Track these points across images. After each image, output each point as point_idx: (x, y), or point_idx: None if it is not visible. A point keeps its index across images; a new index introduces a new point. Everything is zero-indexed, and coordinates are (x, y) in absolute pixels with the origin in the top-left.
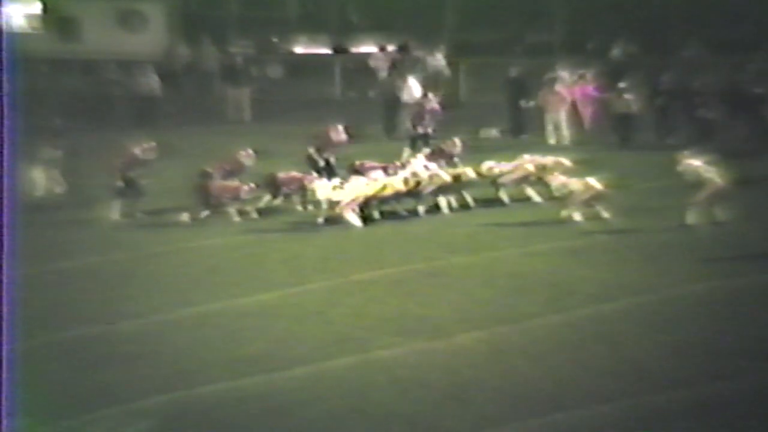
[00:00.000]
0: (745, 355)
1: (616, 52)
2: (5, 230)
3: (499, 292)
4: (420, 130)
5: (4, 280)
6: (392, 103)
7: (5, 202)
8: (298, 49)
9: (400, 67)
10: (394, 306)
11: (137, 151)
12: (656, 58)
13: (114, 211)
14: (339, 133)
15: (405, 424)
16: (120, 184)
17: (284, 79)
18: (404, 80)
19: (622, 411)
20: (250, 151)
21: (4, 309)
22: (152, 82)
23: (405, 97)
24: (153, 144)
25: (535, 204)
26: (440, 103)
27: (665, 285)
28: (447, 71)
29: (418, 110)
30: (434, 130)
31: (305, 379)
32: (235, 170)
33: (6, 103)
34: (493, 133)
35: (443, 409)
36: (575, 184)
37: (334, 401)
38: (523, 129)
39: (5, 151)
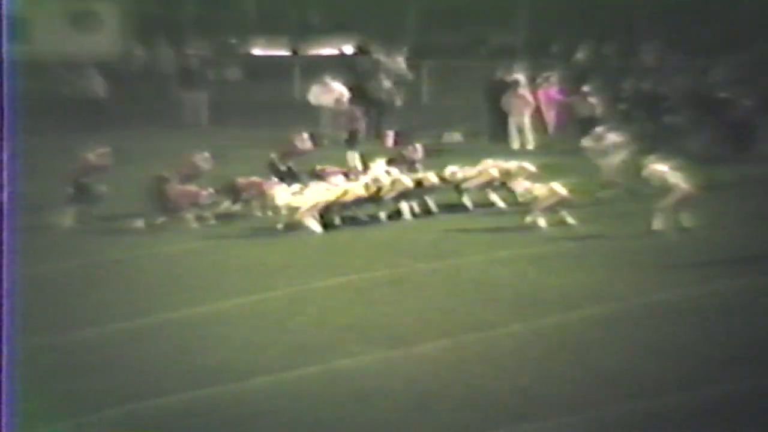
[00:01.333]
0: (711, 362)
1: (580, 54)
2: None
3: (462, 300)
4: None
5: None
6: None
7: None
8: (257, 51)
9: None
10: (356, 314)
11: (91, 156)
12: (621, 61)
13: (67, 218)
14: (304, 141)
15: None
16: (71, 189)
17: (242, 81)
18: (325, 83)
19: (587, 420)
20: (207, 155)
21: None
22: (105, 84)
23: (323, 99)
24: (107, 149)
25: (499, 210)
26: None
27: (632, 292)
28: (408, 74)
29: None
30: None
31: (265, 389)
32: (193, 175)
33: None
34: (457, 137)
35: (405, 419)
36: (539, 189)
37: (295, 412)
38: (499, 134)
39: None
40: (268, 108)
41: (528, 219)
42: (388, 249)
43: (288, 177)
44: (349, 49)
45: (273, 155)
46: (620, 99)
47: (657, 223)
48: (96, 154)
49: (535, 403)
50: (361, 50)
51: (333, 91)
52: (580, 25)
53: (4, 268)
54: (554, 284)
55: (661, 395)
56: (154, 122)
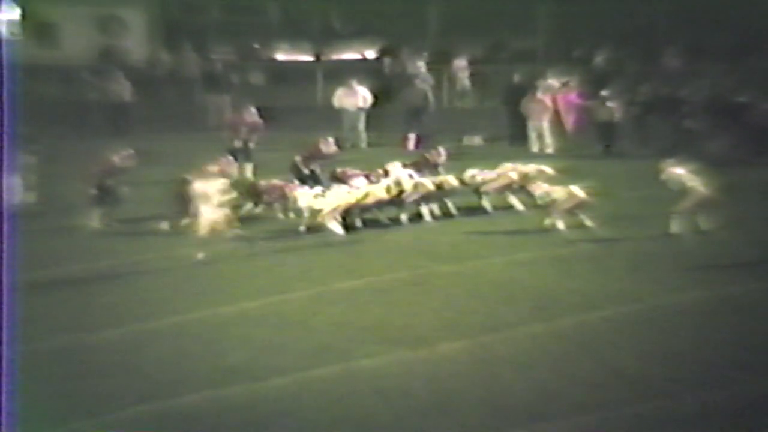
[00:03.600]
0: (730, 365)
1: (599, 60)
2: None
3: (482, 301)
4: (237, 143)
5: None
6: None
7: None
8: (280, 56)
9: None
10: (377, 315)
11: (115, 158)
12: (640, 66)
13: (92, 220)
14: (329, 145)
15: None
16: (95, 191)
17: (266, 86)
18: (350, 87)
19: (606, 421)
20: (231, 158)
21: None
22: (131, 88)
23: (348, 103)
24: (131, 151)
25: (519, 212)
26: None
27: (650, 294)
28: (430, 78)
29: (234, 122)
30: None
31: (287, 388)
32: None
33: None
34: (477, 140)
35: (426, 419)
36: (558, 192)
37: (316, 411)
38: (518, 138)
39: None
40: (291, 112)
41: (547, 222)
42: (409, 251)
43: (311, 180)
44: (371, 53)
45: (297, 158)
46: (639, 103)
47: (675, 226)
48: (120, 156)
49: (554, 403)
50: (385, 54)
51: (357, 95)
52: (600, 30)
53: (5, 270)
54: (573, 286)
55: (678, 396)
56: (179, 126)
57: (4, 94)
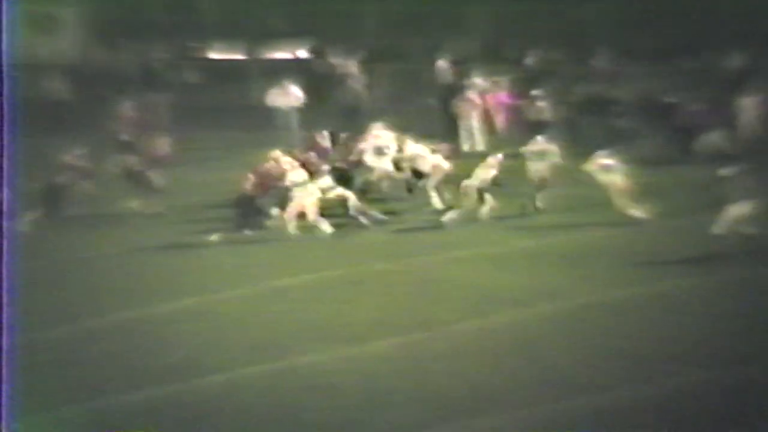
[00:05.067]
0: (660, 360)
1: (530, 59)
2: None
3: (417, 299)
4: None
5: None
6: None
7: None
8: (216, 55)
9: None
10: (313, 312)
11: (68, 157)
12: (571, 66)
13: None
14: (325, 139)
15: (323, 430)
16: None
17: (201, 84)
18: (284, 86)
19: (538, 416)
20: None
21: None
22: (64, 87)
23: (281, 101)
24: (84, 151)
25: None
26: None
27: (582, 291)
28: (362, 78)
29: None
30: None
31: (223, 386)
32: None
33: None
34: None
35: (360, 414)
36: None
37: (252, 408)
38: (450, 136)
39: None
40: (226, 110)
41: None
42: (345, 249)
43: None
44: (304, 53)
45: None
46: (570, 103)
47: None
48: (72, 155)
49: (488, 399)
50: (317, 54)
51: (290, 94)
52: (531, 30)
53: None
54: (507, 283)
55: (611, 390)
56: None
57: None
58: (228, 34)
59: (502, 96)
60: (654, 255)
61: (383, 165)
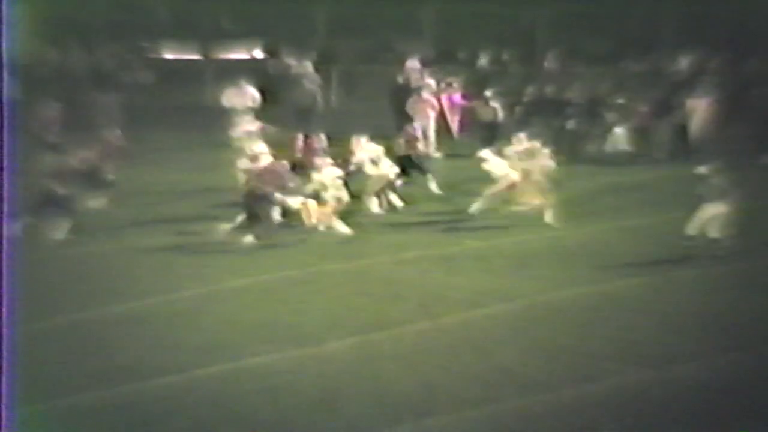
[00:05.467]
0: (609, 359)
1: (483, 61)
2: None
3: (369, 299)
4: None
5: None
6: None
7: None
8: (168, 55)
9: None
10: (266, 313)
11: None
12: (523, 68)
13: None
14: (321, 140)
15: (277, 430)
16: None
17: (154, 84)
18: (239, 86)
19: (490, 416)
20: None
21: None
22: (12, 84)
23: (236, 101)
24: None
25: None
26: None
27: (533, 291)
28: (316, 78)
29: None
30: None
31: (176, 387)
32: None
33: None
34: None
35: (314, 415)
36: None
37: (205, 409)
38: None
39: None
40: (180, 111)
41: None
42: (298, 249)
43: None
44: (259, 53)
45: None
46: (522, 104)
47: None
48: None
49: (440, 399)
50: (272, 54)
51: (246, 95)
52: (484, 32)
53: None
54: (459, 283)
55: (561, 389)
56: (67, 123)
57: None
58: (181, 34)
59: (456, 97)
60: (603, 256)
61: (383, 170)
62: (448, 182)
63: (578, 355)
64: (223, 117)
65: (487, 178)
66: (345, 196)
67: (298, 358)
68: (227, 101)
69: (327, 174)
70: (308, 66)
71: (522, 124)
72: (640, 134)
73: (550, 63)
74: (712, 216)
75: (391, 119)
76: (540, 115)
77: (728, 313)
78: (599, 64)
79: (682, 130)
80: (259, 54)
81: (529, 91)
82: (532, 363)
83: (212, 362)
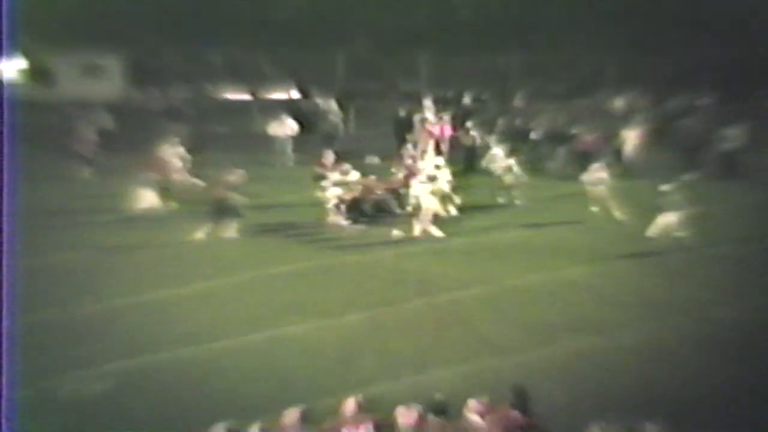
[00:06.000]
0: (564, 329)
1: (466, 99)
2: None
3: (378, 283)
4: None
5: None
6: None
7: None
8: (226, 95)
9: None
10: (298, 293)
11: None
12: (496, 104)
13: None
14: (329, 157)
15: (306, 382)
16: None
17: (213, 117)
18: (281, 119)
19: (469, 372)
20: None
21: None
22: (111, 119)
23: (279, 131)
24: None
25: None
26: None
27: (506, 276)
28: (338, 113)
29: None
30: None
31: (231, 349)
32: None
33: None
34: (375, 160)
35: (334, 371)
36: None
37: (253, 366)
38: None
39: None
40: (233, 138)
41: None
42: (323, 244)
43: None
44: (295, 94)
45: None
46: (496, 133)
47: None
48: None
49: (431, 359)
50: (305, 95)
51: (286, 126)
52: (467, 76)
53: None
54: (448, 271)
55: (524, 352)
56: (147, 147)
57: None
58: (234, 79)
59: (447, 128)
60: (563, 250)
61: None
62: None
63: (539, 326)
64: (268, 143)
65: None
66: (435, 204)
67: (322, 328)
68: (272, 131)
69: (419, 188)
70: (332, 103)
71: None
72: (586, 156)
73: (518, 101)
74: (669, 221)
75: (393, 143)
76: (509, 141)
77: (660, 293)
78: (556, 101)
79: (618, 153)
80: (294, 94)
81: (501, 123)
82: (504, 332)
83: (255, 331)
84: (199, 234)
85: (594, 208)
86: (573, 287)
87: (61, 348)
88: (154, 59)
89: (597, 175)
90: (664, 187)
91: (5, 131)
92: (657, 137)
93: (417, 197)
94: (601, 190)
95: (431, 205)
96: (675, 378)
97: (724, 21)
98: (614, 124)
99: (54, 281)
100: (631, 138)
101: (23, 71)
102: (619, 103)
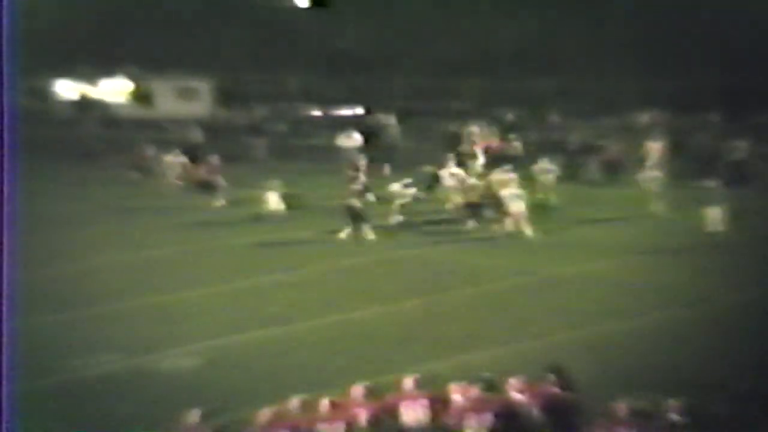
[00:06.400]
0: (583, 311)
1: (509, 116)
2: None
3: (432, 274)
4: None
5: None
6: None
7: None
8: (300, 112)
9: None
10: (360, 282)
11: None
12: (535, 121)
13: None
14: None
15: (370, 361)
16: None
17: (290, 131)
18: (348, 133)
19: (508, 354)
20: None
21: None
22: (202, 134)
23: (346, 143)
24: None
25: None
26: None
27: (542, 269)
28: (398, 127)
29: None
30: None
31: (305, 332)
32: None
33: None
34: (430, 168)
35: (391, 350)
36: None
37: (325, 346)
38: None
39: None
40: (308, 149)
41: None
42: (380, 244)
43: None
44: (360, 111)
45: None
46: (533, 144)
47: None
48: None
49: (478, 342)
50: (369, 112)
51: (352, 139)
52: (510, 98)
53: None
54: (493, 264)
55: (557, 336)
56: (233, 158)
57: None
58: (308, 99)
59: (493, 141)
60: (597, 244)
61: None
62: None
63: (571, 312)
64: (337, 153)
65: None
66: (523, 206)
67: (380, 313)
68: (340, 143)
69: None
70: (392, 119)
71: (533, 157)
72: (614, 165)
73: (553, 118)
74: (715, 215)
75: (443, 154)
76: (546, 152)
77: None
78: (585, 119)
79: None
80: (359, 111)
81: (538, 137)
82: (541, 318)
83: (328, 315)
84: (342, 234)
85: (654, 205)
86: (600, 278)
87: (165, 326)
88: (239, 83)
89: (651, 174)
90: (709, 184)
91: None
92: (674, 148)
93: (507, 200)
94: (654, 186)
95: (520, 207)
96: (692, 359)
97: (730, 50)
98: (637, 137)
99: (163, 271)
100: (653, 149)
101: (128, 92)
102: (641, 119)
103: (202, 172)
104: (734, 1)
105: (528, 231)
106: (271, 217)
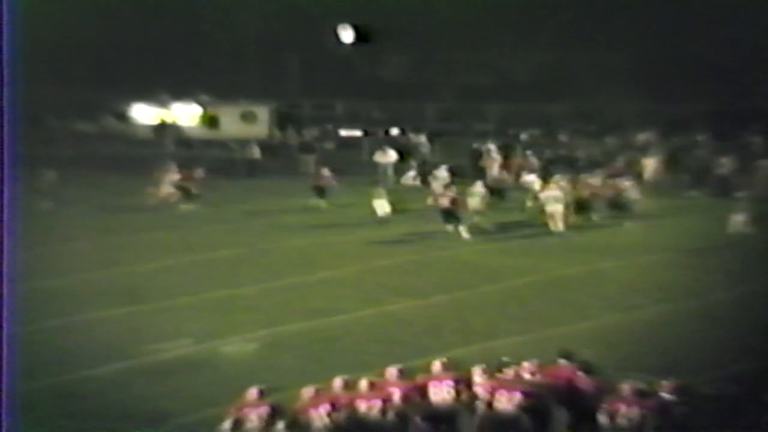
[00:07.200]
0: (592, 300)
1: (523, 135)
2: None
3: (457, 273)
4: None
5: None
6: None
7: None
8: (344, 133)
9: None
10: (394, 279)
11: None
12: (546, 139)
13: None
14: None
15: (403, 347)
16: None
17: (336, 149)
18: (384, 150)
19: (523, 341)
20: None
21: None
22: (260, 151)
23: (382, 159)
24: None
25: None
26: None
27: (553, 268)
28: (428, 145)
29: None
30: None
31: (347, 321)
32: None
33: None
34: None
35: (422, 338)
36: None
37: (364, 334)
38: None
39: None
40: (350, 164)
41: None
42: (411, 243)
43: None
44: (395, 131)
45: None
46: (545, 159)
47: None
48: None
49: (497, 330)
50: (402, 132)
51: (388, 155)
52: (524, 120)
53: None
54: (510, 263)
55: (566, 326)
56: (285, 172)
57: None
58: (350, 121)
59: (514, 159)
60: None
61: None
62: None
63: (578, 305)
64: (374, 168)
65: None
66: (561, 208)
67: (412, 306)
68: (377, 159)
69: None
70: (423, 138)
71: (545, 170)
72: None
73: (562, 137)
74: (740, 220)
75: (469, 168)
76: (557, 166)
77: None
78: (591, 138)
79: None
80: (394, 132)
81: (549, 153)
82: (552, 310)
83: (366, 307)
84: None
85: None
86: (604, 276)
87: (227, 315)
88: (293, 108)
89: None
90: (739, 194)
91: None
92: (668, 164)
93: (546, 204)
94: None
95: (558, 209)
96: (683, 346)
97: (719, 79)
98: (636, 154)
99: (227, 270)
100: (649, 165)
101: (198, 116)
102: (639, 138)
103: (183, 181)
104: (725, 36)
105: (562, 228)
106: (381, 220)
